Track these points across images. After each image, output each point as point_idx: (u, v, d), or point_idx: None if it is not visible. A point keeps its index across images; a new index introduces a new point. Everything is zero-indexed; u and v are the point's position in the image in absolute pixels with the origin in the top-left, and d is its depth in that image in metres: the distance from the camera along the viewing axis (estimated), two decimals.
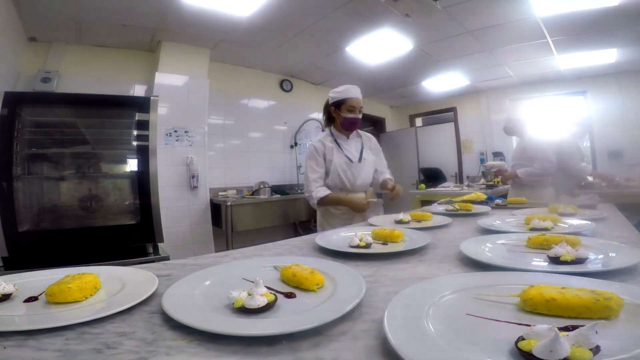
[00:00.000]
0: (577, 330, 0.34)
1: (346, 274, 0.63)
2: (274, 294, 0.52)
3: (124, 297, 0.55)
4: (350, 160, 1.86)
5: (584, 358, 0.31)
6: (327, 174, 1.87)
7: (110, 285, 0.62)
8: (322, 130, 2.09)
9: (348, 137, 1.93)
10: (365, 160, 1.90)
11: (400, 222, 1.24)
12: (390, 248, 0.85)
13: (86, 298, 0.55)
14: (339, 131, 1.93)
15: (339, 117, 1.87)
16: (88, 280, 0.57)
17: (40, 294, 0.56)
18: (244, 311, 0.47)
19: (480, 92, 5.84)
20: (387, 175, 1.95)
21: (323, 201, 1.80)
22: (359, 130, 1.99)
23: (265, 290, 0.50)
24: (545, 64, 4.45)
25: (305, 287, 0.56)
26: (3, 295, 0.54)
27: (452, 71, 4.83)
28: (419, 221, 1.26)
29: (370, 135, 2.06)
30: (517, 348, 0.34)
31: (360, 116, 1.86)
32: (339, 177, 1.84)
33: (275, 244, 1.04)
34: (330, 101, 1.90)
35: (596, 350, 0.32)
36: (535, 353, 0.32)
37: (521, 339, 0.35)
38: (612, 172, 3.28)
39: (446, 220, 1.23)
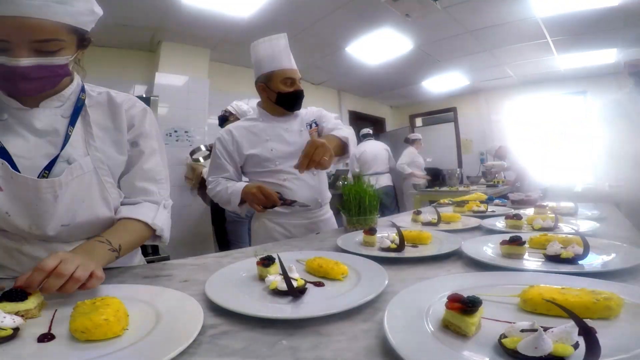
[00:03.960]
0: (560, 327, 0.35)
1: (365, 264, 0.69)
2: (303, 280, 0.58)
3: (170, 331, 0.44)
4: None
5: (567, 353, 0.32)
6: None
7: (137, 312, 0.49)
8: None
9: None
10: None
11: (428, 223, 1.21)
12: (420, 251, 0.82)
13: (125, 330, 0.44)
14: None
15: None
16: (117, 307, 0.46)
17: (52, 324, 0.45)
18: (277, 293, 0.54)
19: (480, 92, 5.83)
20: None
21: None
22: None
23: (297, 275, 0.57)
24: (545, 64, 4.45)
25: (332, 277, 0.63)
26: (13, 330, 0.42)
27: (452, 71, 4.83)
28: (448, 223, 1.23)
29: None
30: (501, 345, 0.35)
31: None
32: None
33: (275, 244, 1.05)
34: None
35: (576, 346, 0.33)
36: (520, 350, 0.33)
37: (503, 336, 0.36)
38: None
39: (476, 222, 1.16)
